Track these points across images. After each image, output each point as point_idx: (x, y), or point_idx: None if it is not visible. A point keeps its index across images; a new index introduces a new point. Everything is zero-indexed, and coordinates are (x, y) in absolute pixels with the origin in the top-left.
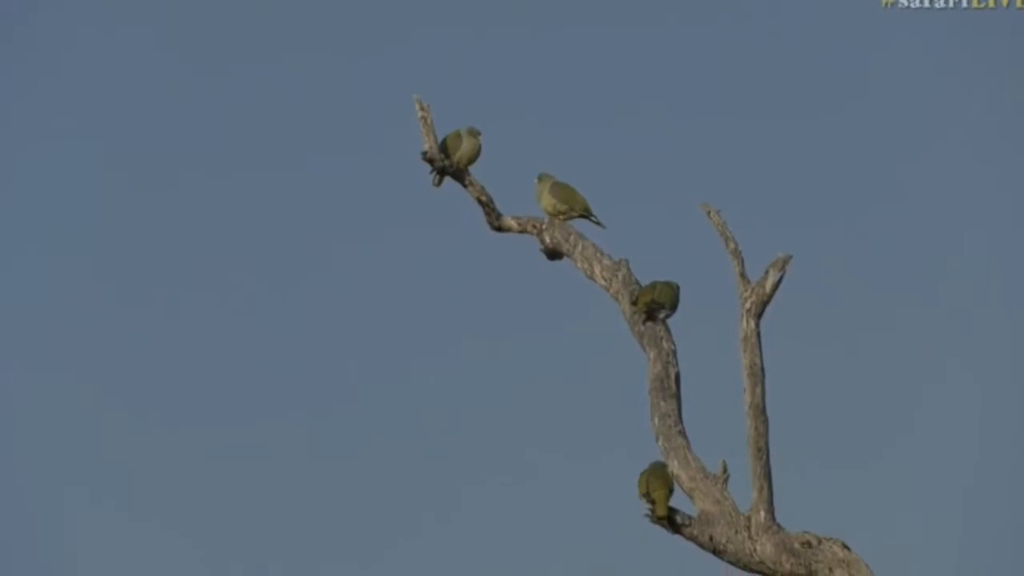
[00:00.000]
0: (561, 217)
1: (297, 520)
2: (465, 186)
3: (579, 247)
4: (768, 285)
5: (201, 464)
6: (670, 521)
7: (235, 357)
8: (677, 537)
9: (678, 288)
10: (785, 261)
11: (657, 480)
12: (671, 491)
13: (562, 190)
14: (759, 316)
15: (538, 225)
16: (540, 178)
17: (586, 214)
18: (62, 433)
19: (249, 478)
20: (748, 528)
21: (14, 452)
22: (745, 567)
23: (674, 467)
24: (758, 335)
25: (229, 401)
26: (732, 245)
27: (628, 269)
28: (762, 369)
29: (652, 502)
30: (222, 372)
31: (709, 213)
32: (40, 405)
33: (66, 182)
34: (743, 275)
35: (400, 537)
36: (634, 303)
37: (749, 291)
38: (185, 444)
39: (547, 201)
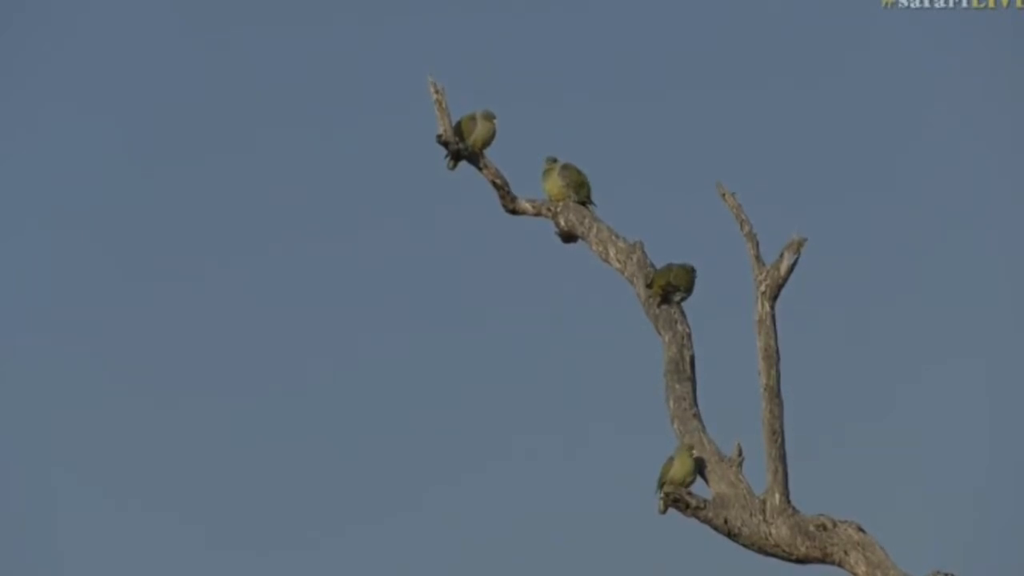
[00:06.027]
0: (563, 201)
1: (297, 500)
2: (480, 169)
3: (594, 230)
4: (783, 268)
5: (193, 443)
6: (685, 504)
7: (241, 336)
8: (692, 520)
9: (693, 271)
10: (800, 244)
11: (671, 464)
12: (690, 480)
13: (571, 174)
14: (774, 299)
15: (553, 208)
16: (547, 161)
17: (586, 201)
18: (54, 410)
19: (253, 458)
20: (763, 511)
21: (7, 429)
22: (760, 550)
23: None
24: (773, 318)
25: (238, 379)
26: (747, 228)
27: (643, 252)
28: (777, 352)
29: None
30: (233, 349)
31: (724, 195)
32: (33, 384)
33: (67, 159)
34: (758, 258)
35: (403, 509)
36: (649, 286)
37: (764, 274)
38: (181, 422)
39: (554, 184)
